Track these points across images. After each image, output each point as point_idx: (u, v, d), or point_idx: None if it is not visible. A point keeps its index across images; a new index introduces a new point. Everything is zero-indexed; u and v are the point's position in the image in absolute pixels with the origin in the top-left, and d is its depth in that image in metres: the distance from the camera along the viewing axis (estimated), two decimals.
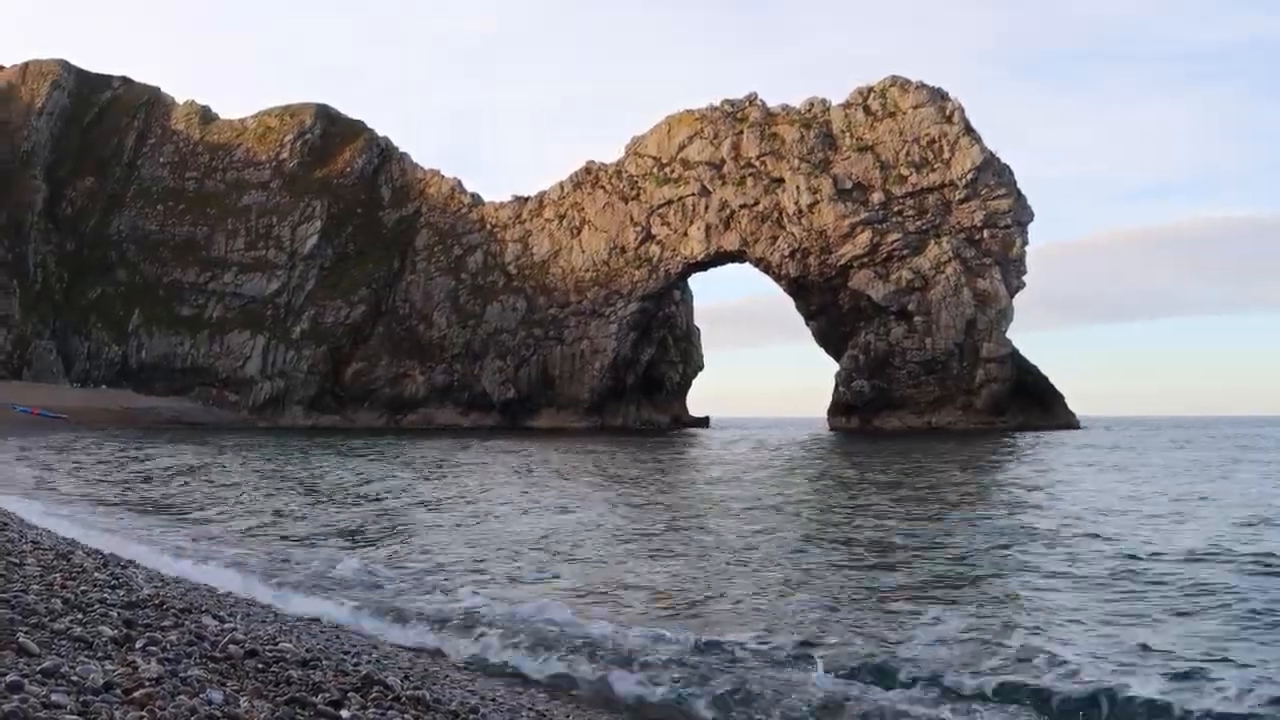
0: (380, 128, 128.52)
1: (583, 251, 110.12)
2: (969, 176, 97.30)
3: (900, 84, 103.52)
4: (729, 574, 14.35)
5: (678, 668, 9.28)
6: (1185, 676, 8.66)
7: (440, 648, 10.24)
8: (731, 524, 20.19)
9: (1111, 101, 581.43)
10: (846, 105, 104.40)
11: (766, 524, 20.16)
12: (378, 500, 25.66)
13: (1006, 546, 16.66)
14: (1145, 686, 8.37)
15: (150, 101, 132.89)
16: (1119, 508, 22.40)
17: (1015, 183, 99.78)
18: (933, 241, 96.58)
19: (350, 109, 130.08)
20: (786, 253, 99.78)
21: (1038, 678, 8.78)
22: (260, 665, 6.36)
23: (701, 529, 19.55)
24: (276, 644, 7.44)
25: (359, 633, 10.56)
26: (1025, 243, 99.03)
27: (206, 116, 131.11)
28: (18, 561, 8.92)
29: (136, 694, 4.77)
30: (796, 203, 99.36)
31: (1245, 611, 11.16)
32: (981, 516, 21.19)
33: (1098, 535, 17.43)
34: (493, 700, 7.80)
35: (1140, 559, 14.53)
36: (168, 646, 6.14)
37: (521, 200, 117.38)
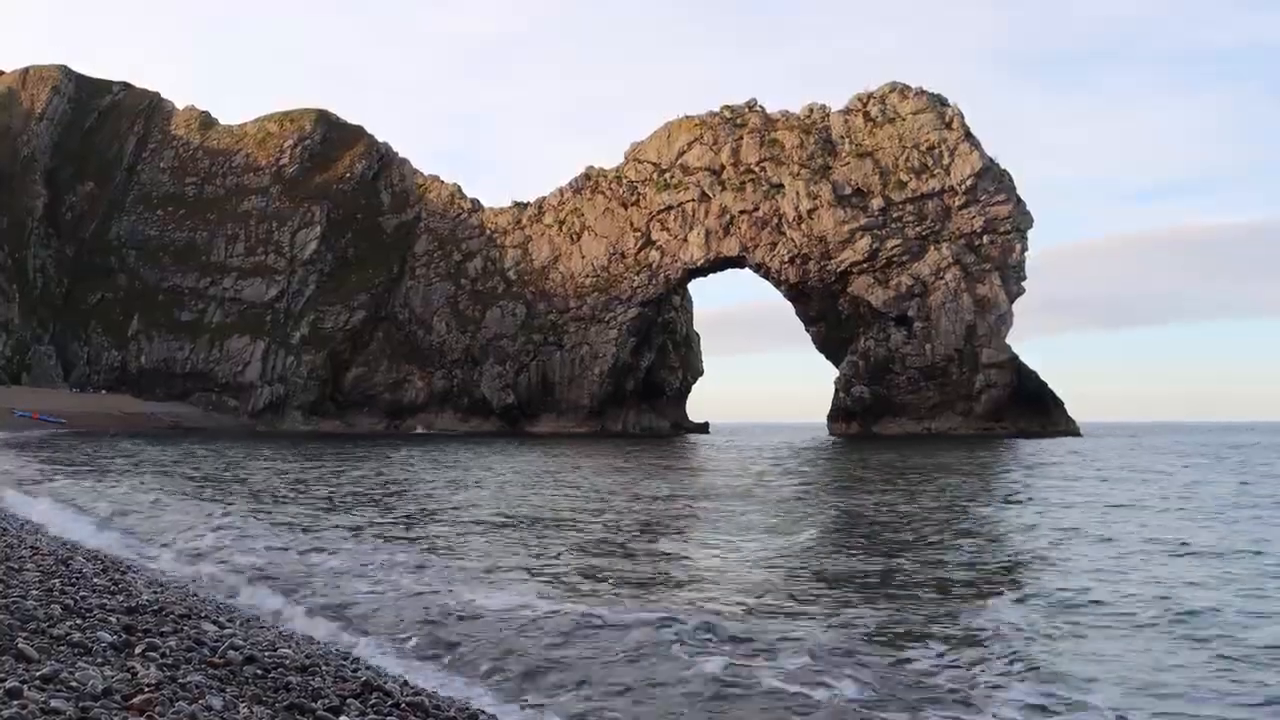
0: (380, 131, 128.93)
1: (582, 257, 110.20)
2: (968, 182, 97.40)
3: (900, 90, 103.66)
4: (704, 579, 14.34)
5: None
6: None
7: None
8: (718, 530, 20.18)
9: (1113, 103, 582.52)
10: (846, 111, 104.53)
11: (758, 528, 20.16)
12: None
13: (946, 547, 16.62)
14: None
15: (150, 107, 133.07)
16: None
17: (1015, 188, 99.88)
18: (932, 247, 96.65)
19: (350, 113, 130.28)
20: (786, 258, 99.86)
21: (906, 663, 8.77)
22: (259, 671, 6.35)
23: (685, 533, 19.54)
24: (275, 650, 7.44)
25: None
26: (1025, 248, 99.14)
27: (206, 122, 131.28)
28: (17, 567, 8.92)
29: (136, 700, 4.77)
30: (796, 208, 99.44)
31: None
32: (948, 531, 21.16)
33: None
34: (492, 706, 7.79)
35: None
36: (167, 652, 6.14)
37: (521, 206, 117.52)
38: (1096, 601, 12.32)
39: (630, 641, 9.85)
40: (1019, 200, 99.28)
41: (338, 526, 19.62)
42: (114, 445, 57.88)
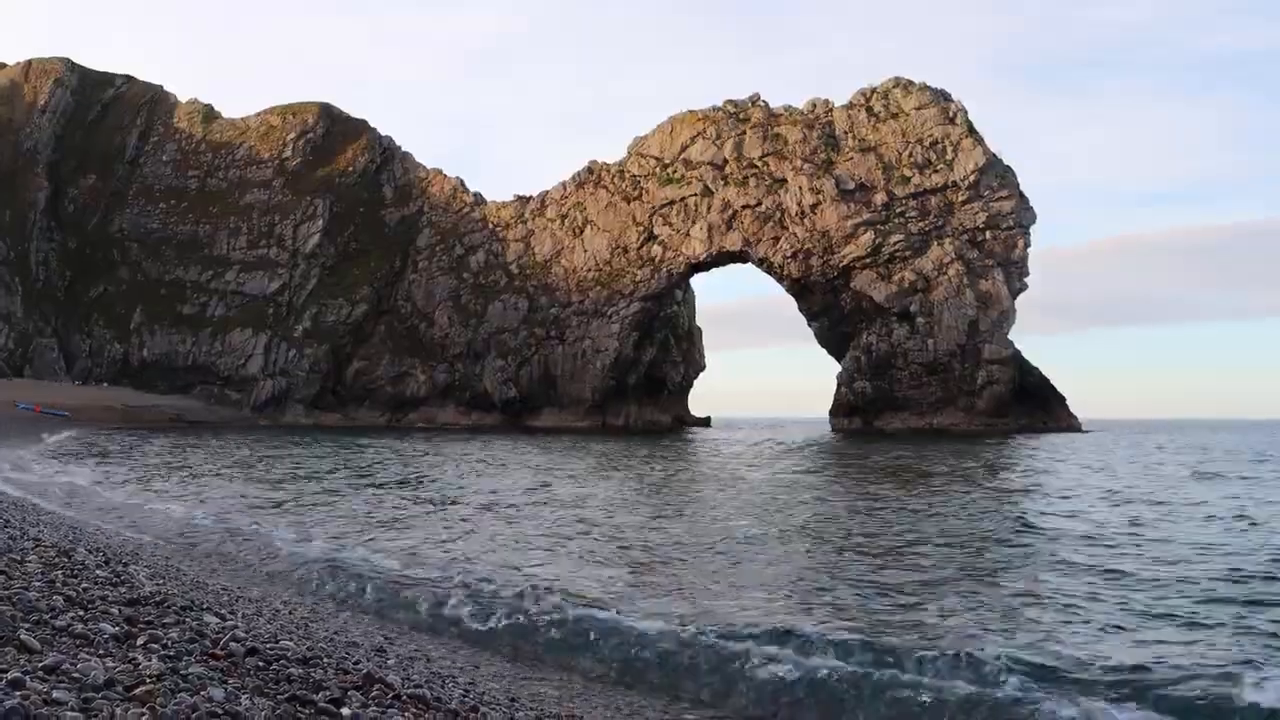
0: (383, 130, 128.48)
1: (585, 251, 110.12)
2: (972, 178, 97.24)
3: (903, 85, 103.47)
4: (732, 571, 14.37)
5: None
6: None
7: None
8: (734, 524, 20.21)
9: (1115, 106, 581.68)
10: (849, 106, 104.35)
11: (768, 525, 20.20)
12: None
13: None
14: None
15: (153, 100, 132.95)
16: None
17: (1018, 184, 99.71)
18: (935, 243, 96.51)
19: (353, 111, 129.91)
20: (789, 253, 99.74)
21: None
22: (261, 663, 6.36)
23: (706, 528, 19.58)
24: (278, 642, 7.45)
25: None
26: (1028, 244, 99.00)
27: (209, 115, 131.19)
28: (19, 559, 8.92)
29: (137, 691, 4.77)
30: (799, 203, 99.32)
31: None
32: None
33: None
34: (493, 700, 7.81)
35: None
36: (169, 644, 6.14)
37: (524, 200, 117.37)
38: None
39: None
40: (1022, 196, 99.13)
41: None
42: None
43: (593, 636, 10.40)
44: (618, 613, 11.13)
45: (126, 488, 27.23)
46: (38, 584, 7.57)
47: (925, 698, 8.39)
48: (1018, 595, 12.58)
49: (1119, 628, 10.63)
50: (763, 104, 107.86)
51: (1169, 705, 8.13)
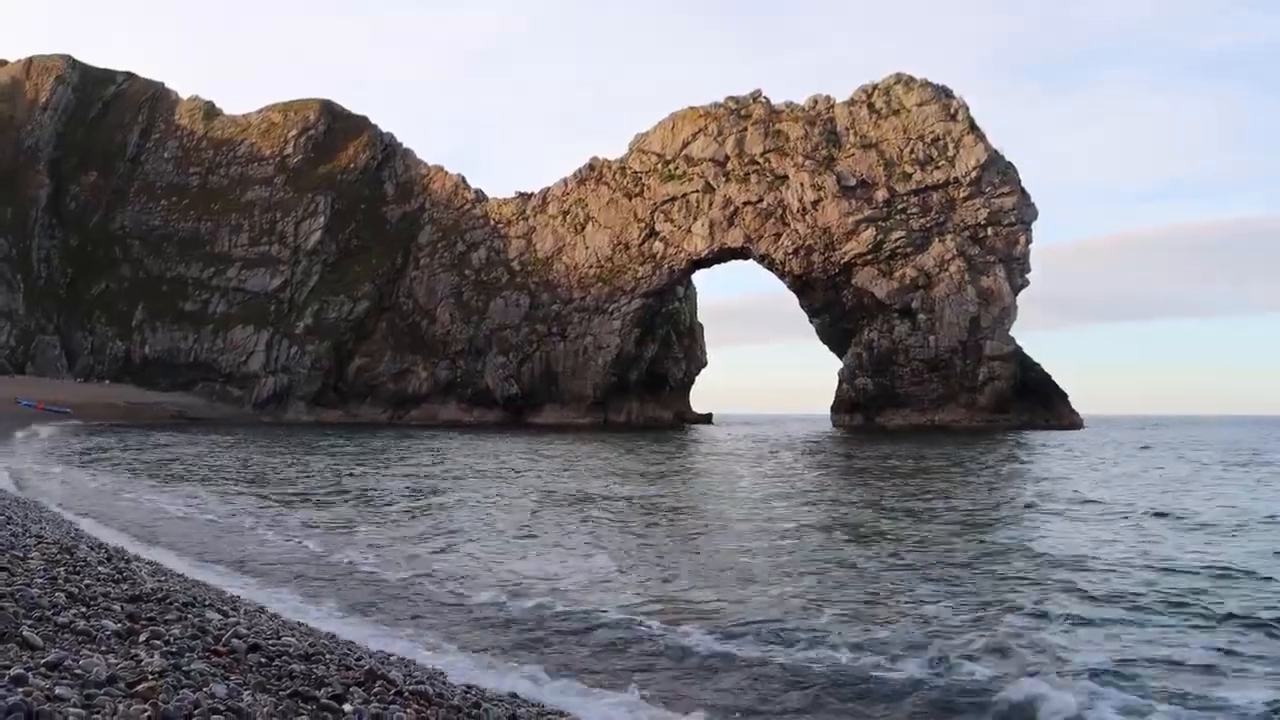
0: (384, 128, 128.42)
1: (586, 248, 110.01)
2: (973, 174, 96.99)
3: (905, 81, 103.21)
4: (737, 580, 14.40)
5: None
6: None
7: None
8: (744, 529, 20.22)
9: (1115, 106, 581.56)
10: (851, 102, 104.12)
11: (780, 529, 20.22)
12: None
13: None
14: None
15: (154, 97, 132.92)
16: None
17: (1019, 180, 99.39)
18: (936, 239, 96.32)
19: (354, 109, 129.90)
20: (790, 250, 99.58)
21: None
22: (263, 659, 6.36)
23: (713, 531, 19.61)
24: (279, 638, 7.46)
25: None
26: (1029, 240, 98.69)
27: (210, 112, 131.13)
28: (21, 556, 8.93)
29: (140, 687, 4.78)
30: (800, 200, 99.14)
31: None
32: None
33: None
34: (495, 697, 7.82)
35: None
36: (171, 640, 6.15)
37: (525, 196, 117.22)
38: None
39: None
40: (1023, 192, 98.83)
41: None
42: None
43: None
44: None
45: (59, 467, 33.97)
46: (40, 581, 7.57)
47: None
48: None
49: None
50: (764, 100, 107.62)
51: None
